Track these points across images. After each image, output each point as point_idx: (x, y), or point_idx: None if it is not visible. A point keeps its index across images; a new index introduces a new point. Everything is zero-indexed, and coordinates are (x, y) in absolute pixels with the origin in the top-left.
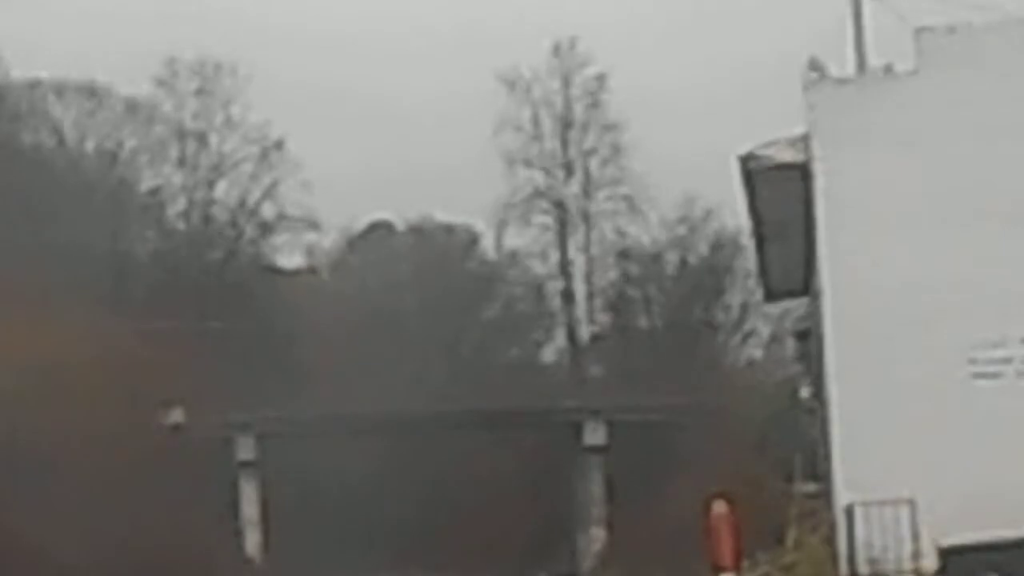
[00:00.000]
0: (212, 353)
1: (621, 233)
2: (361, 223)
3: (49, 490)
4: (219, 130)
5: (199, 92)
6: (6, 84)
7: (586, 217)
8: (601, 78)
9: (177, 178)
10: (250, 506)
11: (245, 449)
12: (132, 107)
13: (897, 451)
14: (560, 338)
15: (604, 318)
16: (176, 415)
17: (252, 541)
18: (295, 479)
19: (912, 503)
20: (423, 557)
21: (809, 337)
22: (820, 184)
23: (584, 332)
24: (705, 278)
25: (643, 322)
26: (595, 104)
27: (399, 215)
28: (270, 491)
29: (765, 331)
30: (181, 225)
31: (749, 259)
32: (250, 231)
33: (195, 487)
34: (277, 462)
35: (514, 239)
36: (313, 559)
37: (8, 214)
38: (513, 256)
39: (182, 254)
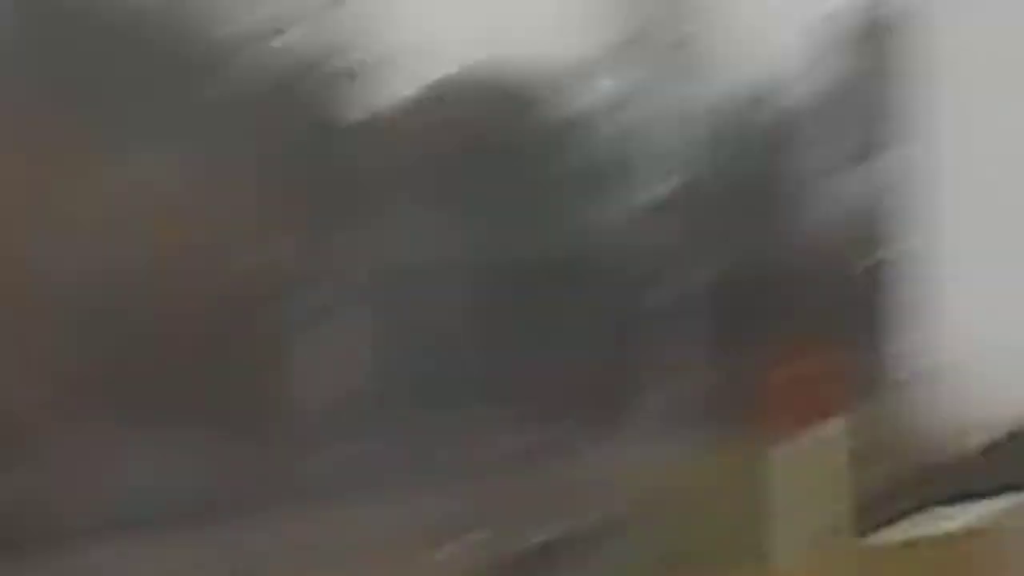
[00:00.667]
0: (288, 207)
1: (699, 92)
2: (435, 76)
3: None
4: None
5: None
6: None
7: (663, 76)
8: None
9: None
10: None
11: (325, 300)
12: None
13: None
14: (636, 197)
15: (680, 178)
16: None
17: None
18: (379, 329)
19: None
20: (495, 409)
21: (891, 198)
22: (908, 41)
23: (659, 191)
24: (784, 139)
25: (720, 183)
26: None
27: (473, 69)
28: (354, 342)
29: (846, 192)
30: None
31: (831, 120)
32: (321, 84)
33: (282, 338)
34: (361, 313)
35: (589, 95)
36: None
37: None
38: (589, 113)
39: (253, 108)
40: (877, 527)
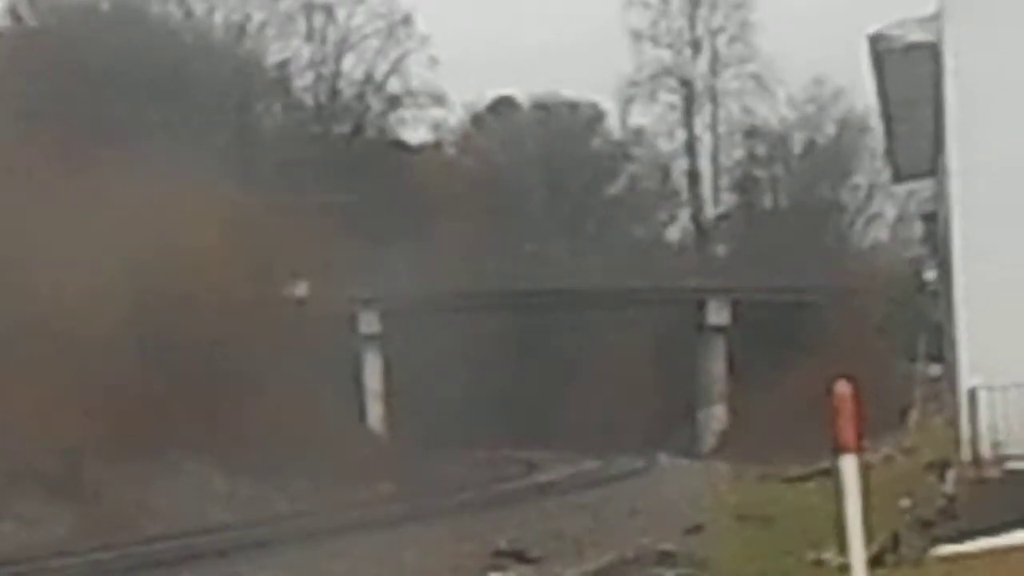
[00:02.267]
0: (337, 227)
1: (748, 112)
2: (486, 99)
3: (180, 359)
4: (347, 4)
5: None
6: None
7: (713, 95)
8: None
9: (304, 52)
10: (373, 379)
11: (369, 323)
12: None
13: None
14: (684, 217)
15: (729, 198)
16: (301, 289)
17: (374, 414)
18: (418, 354)
19: None
20: (543, 433)
21: (936, 219)
22: (950, 64)
23: (709, 211)
24: (832, 158)
25: (768, 202)
26: None
27: (524, 91)
28: (393, 365)
29: (891, 212)
30: (308, 99)
31: (877, 140)
32: (376, 106)
33: (319, 360)
34: (400, 336)
35: (639, 117)
36: (434, 432)
37: (136, 87)
38: (638, 134)
39: (308, 128)
40: (949, 538)
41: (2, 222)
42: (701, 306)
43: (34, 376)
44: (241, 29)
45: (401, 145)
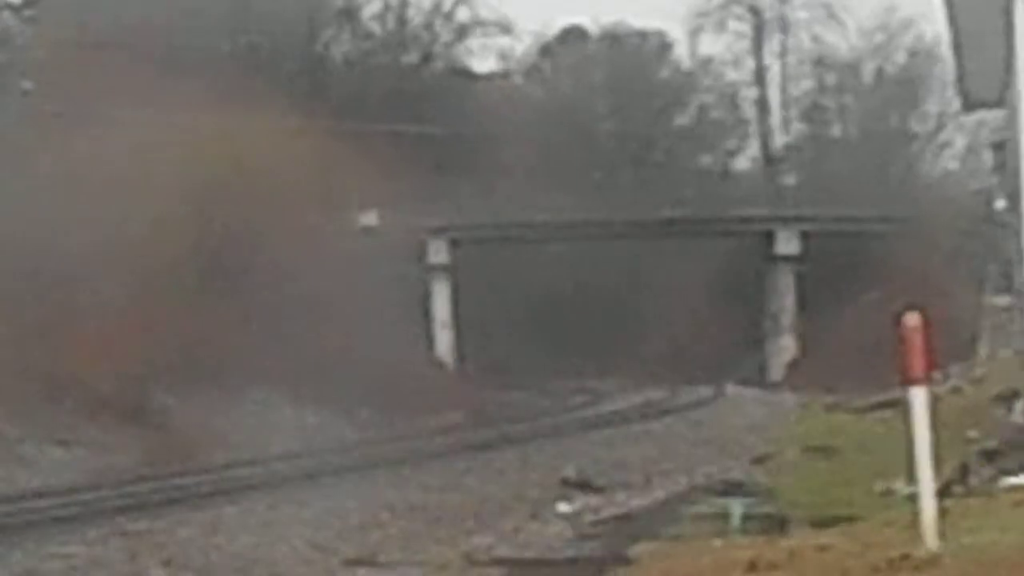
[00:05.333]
0: (405, 157)
1: (817, 41)
2: (554, 28)
3: (247, 287)
4: None
5: None
6: None
7: (783, 24)
8: None
9: None
10: (442, 309)
11: (437, 253)
12: None
13: None
14: (753, 147)
15: (799, 127)
16: (370, 218)
17: (443, 343)
18: (486, 284)
19: None
20: (610, 363)
21: (1006, 148)
22: None
23: (778, 141)
24: (902, 88)
25: (838, 132)
26: None
27: (593, 20)
28: (461, 295)
29: (961, 142)
30: (376, 28)
31: (947, 69)
32: (444, 35)
33: (387, 289)
34: (469, 267)
35: (708, 46)
36: (502, 363)
37: (203, 17)
38: (707, 63)
39: (376, 57)
40: (1017, 469)
41: (68, 152)
42: (770, 236)
43: (101, 304)
44: None
45: (469, 74)
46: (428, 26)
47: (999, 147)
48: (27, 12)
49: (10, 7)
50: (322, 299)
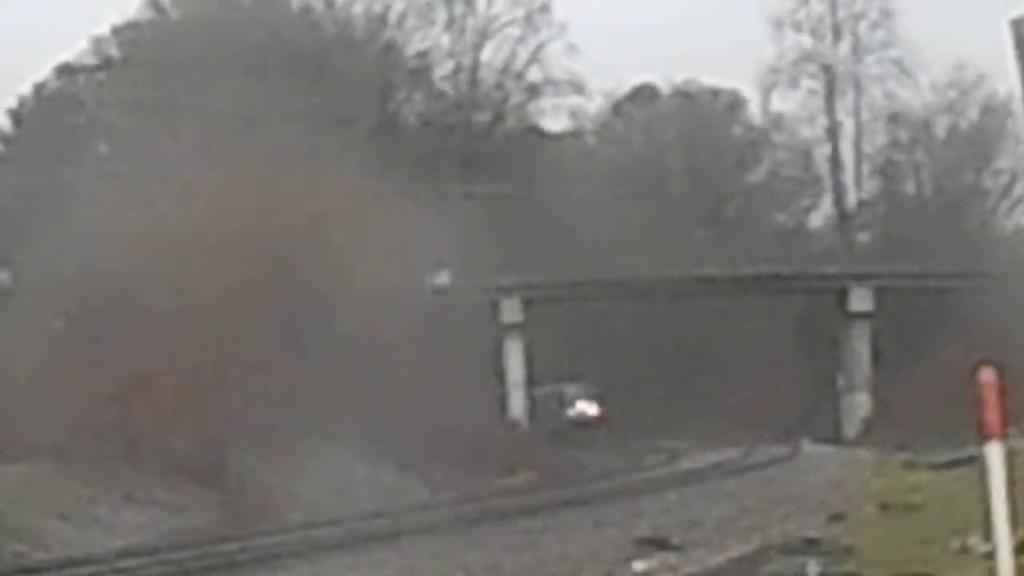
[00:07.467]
0: (478, 216)
1: (890, 97)
2: (626, 86)
3: (322, 347)
4: None
5: None
6: None
7: (855, 81)
8: None
9: (444, 41)
10: (516, 368)
11: (511, 311)
12: None
13: None
14: (827, 204)
15: (872, 183)
16: (443, 277)
17: (517, 403)
18: (559, 343)
19: None
20: (685, 421)
21: None
22: None
23: (852, 198)
24: (975, 143)
25: (911, 188)
26: None
27: (664, 79)
28: (536, 354)
29: None
30: (448, 88)
31: (1019, 124)
32: (516, 95)
33: (460, 348)
34: (542, 325)
35: (780, 103)
36: (575, 421)
37: (278, 76)
38: (779, 120)
39: (449, 117)
40: None
41: (148, 213)
42: (844, 293)
43: (179, 366)
44: (381, 19)
45: (541, 133)
46: (499, 85)
47: None
48: (100, 75)
49: (85, 70)
50: (396, 358)
